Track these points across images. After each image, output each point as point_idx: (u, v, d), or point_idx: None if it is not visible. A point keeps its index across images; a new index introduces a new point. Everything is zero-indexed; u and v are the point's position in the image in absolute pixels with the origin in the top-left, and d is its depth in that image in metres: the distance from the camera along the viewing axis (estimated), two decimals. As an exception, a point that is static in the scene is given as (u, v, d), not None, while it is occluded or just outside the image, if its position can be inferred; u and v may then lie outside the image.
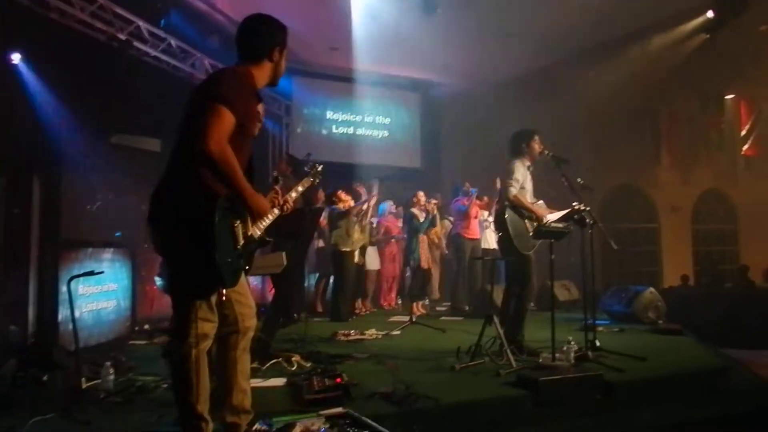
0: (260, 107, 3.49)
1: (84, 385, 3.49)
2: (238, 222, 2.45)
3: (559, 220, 4.78)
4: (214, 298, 2.41)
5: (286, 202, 3.34)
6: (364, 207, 7.87)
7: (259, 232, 2.71)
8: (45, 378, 3.66)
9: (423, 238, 8.12)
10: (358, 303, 8.52)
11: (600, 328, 6.33)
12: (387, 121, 11.96)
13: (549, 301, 7.99)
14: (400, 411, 3.30)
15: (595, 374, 3.95)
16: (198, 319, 2.37)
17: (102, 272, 4.11)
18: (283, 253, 4.36)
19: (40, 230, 4.16)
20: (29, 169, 3.98)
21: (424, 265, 8.08)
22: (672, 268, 12.92)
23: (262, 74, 2.57)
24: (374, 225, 8.92)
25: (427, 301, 8.68)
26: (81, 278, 4.37)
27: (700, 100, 13.41)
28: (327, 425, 2.86)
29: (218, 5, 8.72)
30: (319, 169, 3.83)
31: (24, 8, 5.58)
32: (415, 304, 8.20)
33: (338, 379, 3.67)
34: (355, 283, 7.98)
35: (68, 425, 3.06)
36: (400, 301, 9.30)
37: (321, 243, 8.43)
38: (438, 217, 9.25)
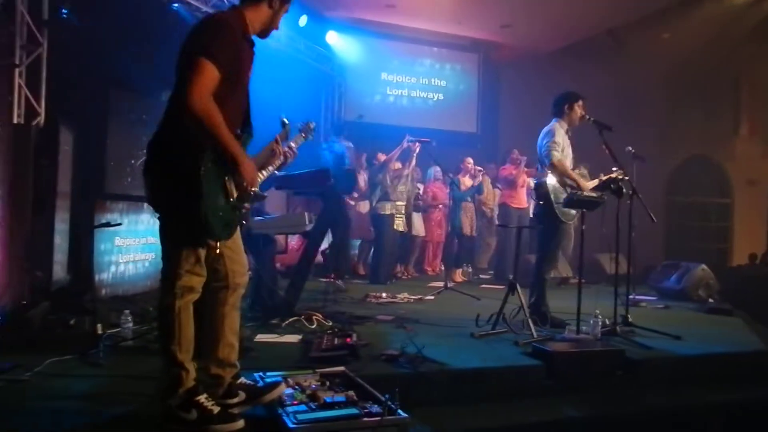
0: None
1: (106, 332, 3.63)
2: (231, 174, 2.43)
3: (593, 189, 4.54)
4: (203, 252, 2.42)
5: (286, 152, 3.39)
6: (396, 163, 7.73)
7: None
8: (72, 322, 3.85)
9: (467, 205, 7.97)
10: (401, 267, 8.51)
11: (643, 304, 6.12)
12: (443, 83, 11.67)
13: (596, 274, 7.84)
14: (401, 373, 3.28)
15: (616, 350, 3.78)
16: (185, 271, 2.39)
17: (119, 224, 4.26)
18: (306, 214, 4.38)
19: (72, 182, 4.32)
20: (57, 122, 4.11)
21: (467, 232, 7.94)
22: (744, 245, 12.14)
23: (257, 18, 2.49)
24: (420, 191, 8.82)
25: (469, 269, 8.56)
26: (115, 229, 4.59)
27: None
28: (319, 383, 2.86)
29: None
30: (312, 126, 3.77)
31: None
32: (456, 270, 8.13)
33: (348, 339, 3.68)
34: (397, 247, 7.95)
35: (82, 367, 3.21)
36: (442, 268, 9.21)
37: (363, 207, 8.39)
38: (488, 183, 9.07)
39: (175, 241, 2.40)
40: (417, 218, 8.60)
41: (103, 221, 4.27)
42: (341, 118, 10.54)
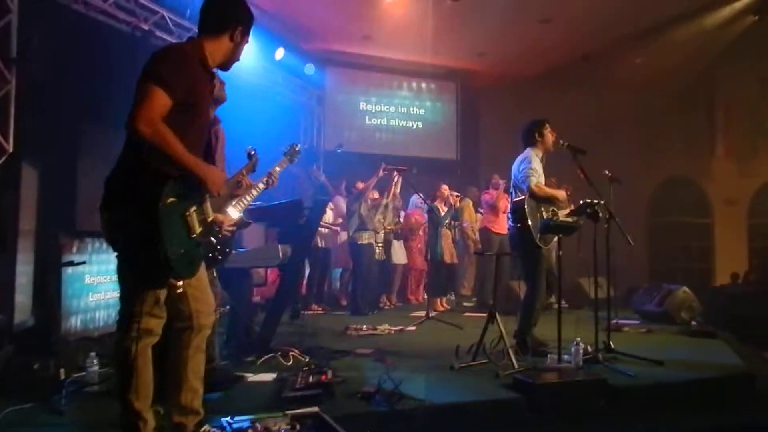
0: (217, 85, 3.45)
1: (70, 376, 3.49)
2: (194, 208, 2.35)
3: (569, 214, 4.51)
4: (162, 293, 2.33)
5: (271, 175, 3.43)
6: (374, 192, 7.72)
7: (233, 215, 2.65)
8: (36, 366, 3.69)
9: (446, 232, 7.92)
10: (384, 297, 8.40)
11: (626, 329, 6.06)
12: (421, 111, 11.74)
13: (579, 299, 7.79)
14: (377, 411, 3.17)
15: (598, 379, 3.70)
16: (144, 313, 2.29)
17: (83, 262, 4.14)
18: (279, 246, 4.29)
19: (38, 220, 4.21)
20: (20, 159, 4.02)
21: (448, 259, 7.88)
22: (726, 265, 12.18)
23: (217, 50, 2.44)
24: (401, 218, 8.78)
25: (452, 297, 8.47)
26: (86, 267, 4.47)
27: (760, 87, 12.55)
28: (289, 426, 2.75)
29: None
30: (297, 148, 3.77)
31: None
32: (438, 299, 8.04)
33: (323, 377, 3.57)
34: (378, 276, 7.86)
35: (41, 416, 3.07)
36: (426, 296, 9.13)
37: (344, 236, 8.32)
38: (470, 207, 9.05)
39: (135, 280, 2.31)
40: (398, 246, 8.53)
41: (71, 259, 4.15)
42: (321, 149, 10.53)
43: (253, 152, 3.45)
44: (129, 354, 2.27)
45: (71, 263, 3.80)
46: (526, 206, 4.54)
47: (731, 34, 9.78)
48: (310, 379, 3.54)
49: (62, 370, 3.38)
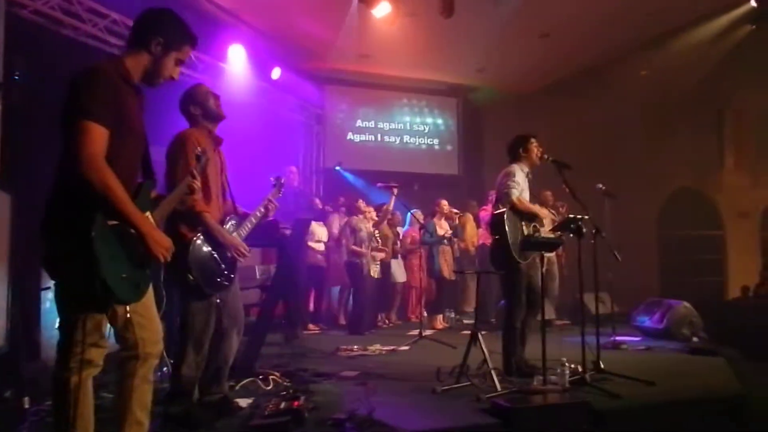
0: (213, 100, 3.45)
1: (34, 405, 3.42)
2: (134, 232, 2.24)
3: (552, 230, 4.39)
4: (104, 321, 2.25)
5: (270, 202, 3.60)
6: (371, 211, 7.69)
7: None
8: (7, 394, 3.65)
9: (445, 248, 7.80)
10: (382, 316, 8.29)
11: (624, 346, 5.89)
12: (422, 127, 11.69)
13: (580, 315, 7.61)
14: (345, 440, 3.07)
15: (581, 402, 3.56)
16: (84, 343, 2.20)
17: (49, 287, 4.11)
18: (256, 267, 4.23)
19: (11, 246, 4.19)
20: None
21: (447, 275, 7.76)
22: (738, 278, 11.90)
23: (136, 65, 2.36)
24: (400, 235, 8.69)
25: (452, 314, 8.33)
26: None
27: (769, 96, 12.34)
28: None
29: (243, 16, 8.75)
30: (283, 181, 3.79)
31: (33, 24, 5.76)
32: (437, 317, 7.91)
33: (295, 403, 3.47)
34: (376, 295, 7.76)
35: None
36: (426, 314, 8.99)
37: (345, 255, 8.24)
38: (471, 221, 8.94)
39: (73, 308, 2.22)
40: (397, 264, 8.43)
41: (49, 285, 4.11)
42: (320, 166, 10.50)
43: (279, 180, 3.72)
44: (68, 386, 2.18)
45: (50, 288, 3.76)
46: (506, 219, 4.44)
47: (731, 44, 9.63)
48: (282, 405, 3.45)
49: (26, 399, 3.30)
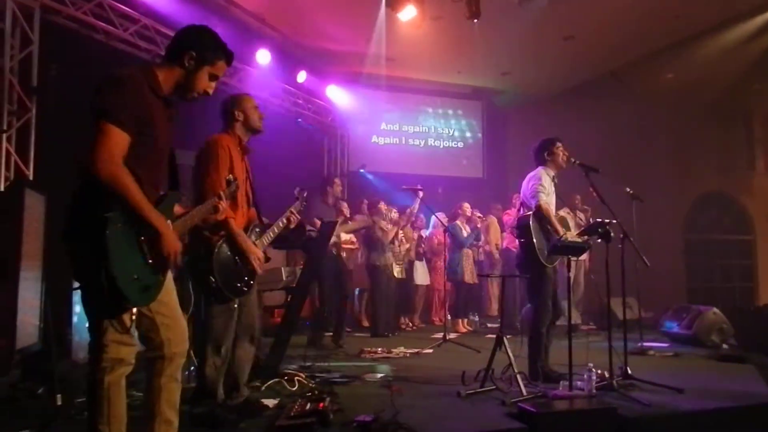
0: (255, 115, 3.52)
1: (74, 402, 3.50)
2: (149, 234, 2.24)
3: (579, 234, 4.36)
4: (128, 321, 2.28)
5: (292, 214, 3.72)
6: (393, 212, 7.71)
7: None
8: (40, 391, 3.74)
9: (467, 252, 7.79)
10: (405, 319, 8.30)
11: (651, 352, 5.82)
12: (446, 130, 11.68)
13: (607, 320, 7.53)
14: (371, 442, 3.08)
15: (607, 408, 3.53)
16: (111, 342, 2.25)
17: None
18: (282, 269, 4.28)
19: (45, 245, 4.29)
20: (22, 184, 4.11)
21: (468, 279, 7.74)
22: (770, 283, 11.70)
23: (169, 77, 2.38)
24: (424, 237, 8.69)
25: (476, 318, 8.30)
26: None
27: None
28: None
29: (270, 21, 8.83)
30: (305, 195, 3.84)
31: (67, 29, 5.90)
32: (460, 320, 7.90)
33: (321, 404, 3.50)
34: (396, 296, 7.77)
35: (38, 443, 3.08)
36: (449, 317, 8.98)
37: (363, 258, 8.26)
38: (495, 224, 8.91)
39: (95, 310, 2.27)
40: (420, 267, 8.43)
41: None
42: (345, 169, 10.55)
43: (302, 193, 3.80)
44: (101, 385, 2.23)
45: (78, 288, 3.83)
46: (531, 222, 4.42)
47: (761, 47, 9.46)
48: (307, 406, 3.47)
49: (59, 396, 3.38)
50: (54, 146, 5.39)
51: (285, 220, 3.66)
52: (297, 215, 3.74)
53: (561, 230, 4.39)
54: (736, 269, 12.54)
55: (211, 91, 2.50)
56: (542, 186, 4.56)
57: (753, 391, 4.24)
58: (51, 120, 5.32)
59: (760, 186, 12.34)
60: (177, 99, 2.45)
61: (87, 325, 2.32)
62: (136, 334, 2.36)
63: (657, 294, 8.60)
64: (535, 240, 4.37)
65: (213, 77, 2.47)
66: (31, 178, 5.29)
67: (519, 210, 4.77)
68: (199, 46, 2.41)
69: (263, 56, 8.54)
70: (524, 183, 4.73)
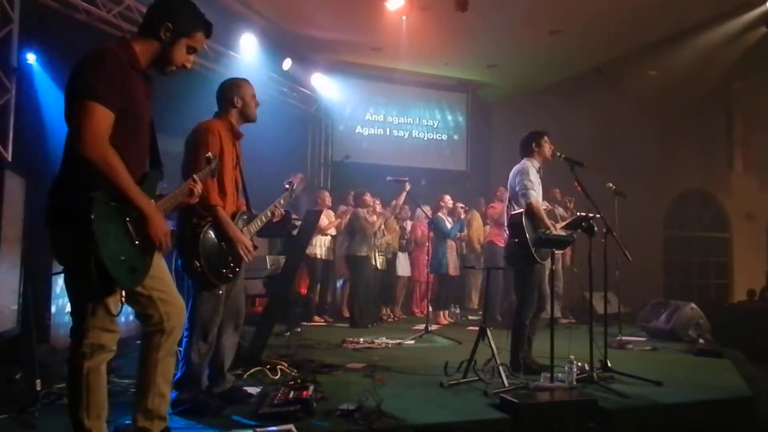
0: (252, 102, 3.47)
1: (53, 387, 3.44)
2: (135, 215, 2.22)
3: (564, 227, 4.39)
4: (113, 304, 2.24)
5: (276, 208, 3.62)
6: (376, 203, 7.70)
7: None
8: (18, 376, 3.67)
9: (451, 244, 7.80)
10: (387, 310, 8.30)
11: (630, 346, 5.90)
12: (431, 122, 11.66)
13: (587, 314, 7.62)
14: (355, 431, 3.08)
15: (588, 399, 3.56)
16: (93, 327, 2.20)
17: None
18: (267, 257, 4.25)
19: (24, 228, 4.21)
20: (2, 166, 4.01)
21: (452, 272, 7.76)
22: (744, 281, 11.89)
23: (144, 51, 2.31)
24: (407, 229, 8.69)
25: (457, 310, 8.34)
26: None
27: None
28: (258, 444, 2.67)
29: (255, 6, 8.71)
30: (295, 186, 3.79)
31: (47, 8, 5.75)
32: (442, 312, 7.92)
33: (304, 392, 3.49)
34: (379, 289, 7.78)
35: (14, 427, 3.02)
36: (431, 309, 9.01)
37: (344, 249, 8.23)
38: (478, 219, 8.93)
39: (79, 293, 2.23)
40: (402, 258, 8.44)
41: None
42: (328, 159, 10.50)
43: (292, 185, 3.74)
44: (80, 371, 2.19)
45: (61, 273, 3.76)
46: (524, 221, 4.44)
47: (744, 46, 9.57)
48: (290, 394, 3.46)
49: (38, 381, 3.32)
50: (32, 128, 5.29)
51: (270, 213, 3.61)
52: (281, 210, 3.69)
53: (550, 225, 4.41)
54: (712, 266, 12.77)
55: (189, 65, 2.44)
56: (530, 181, 4.57)
57: (729, 385, 4.32)
58: (29, 102, 5.21)
59: (738, 185, 12.54)
60: (155, 73, 2.39)
61: (68, 309, 2.28)
62: (122, 319, 2.33)
63: (634, 289, 8.72)
64: (529, 238, 4.39)
65: (191, 49, 2.41)
66: (9, 159, 5.17)
67: (508, 205, 4.77)
68: (175, 17, 2.33)
69: (248, 42, 8.42)
70: (511, 176, 4.74)
